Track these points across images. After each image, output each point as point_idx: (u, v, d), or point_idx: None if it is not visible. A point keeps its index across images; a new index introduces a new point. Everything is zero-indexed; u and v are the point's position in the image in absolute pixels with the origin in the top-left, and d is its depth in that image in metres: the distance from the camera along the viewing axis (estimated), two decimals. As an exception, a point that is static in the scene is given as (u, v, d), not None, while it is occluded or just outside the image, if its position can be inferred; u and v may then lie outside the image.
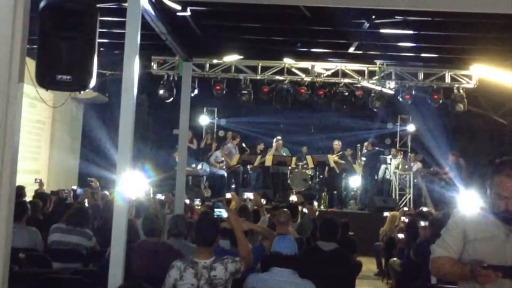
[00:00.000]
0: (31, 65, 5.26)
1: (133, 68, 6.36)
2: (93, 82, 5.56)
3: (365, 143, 18.64)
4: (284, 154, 18.00)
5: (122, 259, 5.77)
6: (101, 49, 6.19)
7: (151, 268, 5.67)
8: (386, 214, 12.93)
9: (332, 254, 6.71)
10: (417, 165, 18.48)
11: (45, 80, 5.33)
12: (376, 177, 18.52)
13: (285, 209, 8.42)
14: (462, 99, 16.04)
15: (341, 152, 18.11)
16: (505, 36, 10.98)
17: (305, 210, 9.92)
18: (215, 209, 6.47)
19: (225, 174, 18.30)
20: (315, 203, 15.85)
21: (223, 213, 6.11)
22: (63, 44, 5.27)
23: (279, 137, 18.40)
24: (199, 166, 18.84)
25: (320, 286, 5.30)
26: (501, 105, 17.27)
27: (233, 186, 17.95)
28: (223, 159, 18.19)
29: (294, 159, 17.73)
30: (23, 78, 3.58)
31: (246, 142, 19.45)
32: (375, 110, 17.45)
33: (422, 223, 8.48)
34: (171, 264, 5.10)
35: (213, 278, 4.98)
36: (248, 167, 18.26)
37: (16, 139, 3.55)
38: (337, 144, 18.24)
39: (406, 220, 10.58)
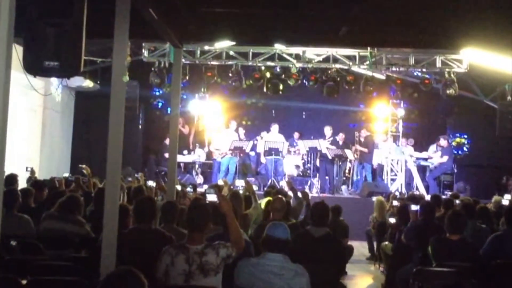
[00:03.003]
0: (21, 52, 5.25)
1: (123, 55, 6.35)
2: (81, 68, 5.54)
3: (362, 128, 18.74)
4: (278, 140, 18.02)
5: (114, 246, 5.79)
6: (91, 36, 6.16)
7: (143, 254, 5.67)
8: (374, 199, 12.97)
9: (323, 239, 6.73)
10: (408, 150, 18.54)
11: (32, 66, 5.32)
12: (370, 162, 18.59)
13: (280, 196, 8.45)
14: (453, 83, 16.10)
15: (332, 138, 18.17)
16: (496, 19, 10.97)
17: (299, 194, 9.93)
18: (207, 195, 6.49)
19: (218, 161, 18.33)
20: (307, 189, 15.93)
21: (214, 199, 6.12)
22: (50, 30, 5.26)
23: (276, 124, 18.52)
24: (192, 153, 18.87)
25: (311, 270, 5.33)
26: (492, 89, 17.32)
27: (225, 172, 17.95)
28: (220, 146, 18.23)
29: (286, 144, 17.77)
30: (10, 65, 3.56)
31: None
32: (366, 95, 17.50)
33: (413, 207, 8.50)
34: (163, 250, 5.12)
35: (205, 263, 5.00)
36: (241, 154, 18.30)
37: (5, 127, 3.54)
38: (328, 130, 18.32)
39: (398, 204, 10.62)
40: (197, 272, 4.98)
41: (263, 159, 18.36)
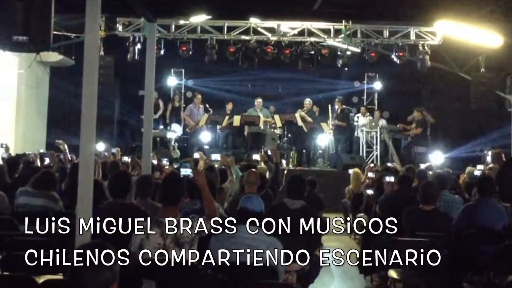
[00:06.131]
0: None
1: (95, 30, 6.30)
2: (51, 43, 5.51)
3: (336, 102, 18.74)
4: (261, 114, 17.99)
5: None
6: (63, 10, 6.11)
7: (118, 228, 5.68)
8: (350, 171, 13.03)
9: (299, 212, 6.78)
10: (382, 122, 18.61)
11: (1, 41, 5.27)
12: (346, 136, 18.61)
13: (254, 169, 8.47)
14: (427, 56, 16.21)
15: (311, 110, 18.18)
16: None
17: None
18: (182, 169, 6.51)
19: (194, 135, 18.30)
20: (284, 162, 15.98)
21: (189, 172, 6.14)
22: (18, 4, 5.20)
23: (259, 98, 18.51)
24: (169, 128, 18.82)
25: (286, 243, 5.37)
26: (465, 62, 17.43)
27: (206, 146, 17.93)
28: (196, 120, 18.18)
29: (262, 118, 17.78)
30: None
31: (214, 102, 19.42)
32: (341, 68, 17.53)
33: (387, 179, 8.55)
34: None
35: (179, 236, 5.03)
36: (217, 127, 18.28)
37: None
38: (308, 103, 18.31)
39: (373, 176, 10.70)
40: (172, 246, 5.01)
41: (240, 133, 18.36)
